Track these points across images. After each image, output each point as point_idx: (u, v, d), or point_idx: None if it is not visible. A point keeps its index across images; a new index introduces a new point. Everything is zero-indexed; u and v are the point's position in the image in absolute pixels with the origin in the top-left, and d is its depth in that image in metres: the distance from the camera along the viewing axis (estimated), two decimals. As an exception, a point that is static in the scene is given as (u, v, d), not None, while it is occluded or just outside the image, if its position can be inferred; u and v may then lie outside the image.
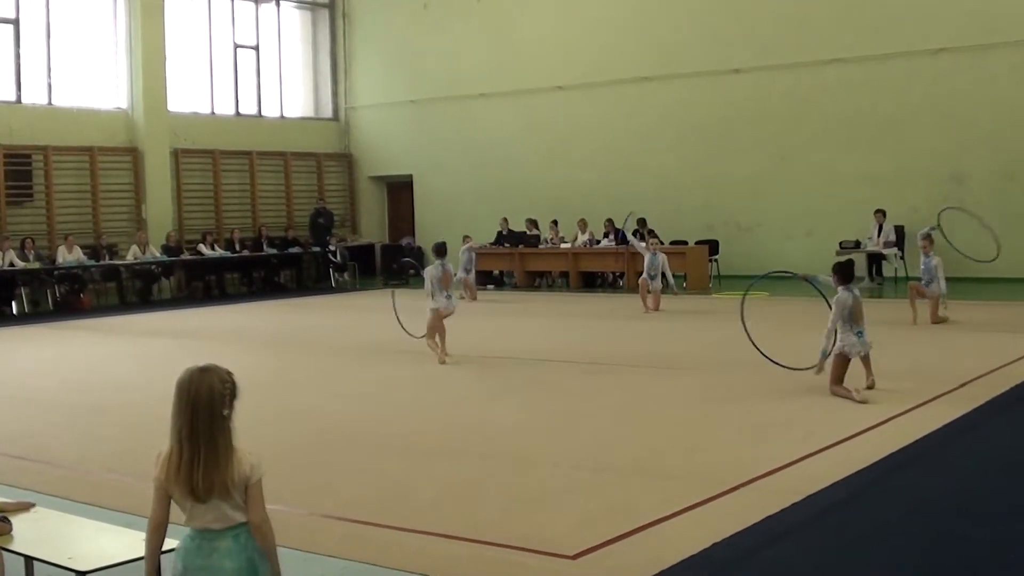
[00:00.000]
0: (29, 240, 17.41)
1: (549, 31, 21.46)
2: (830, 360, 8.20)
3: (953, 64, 17.49)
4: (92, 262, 17.98)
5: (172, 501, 3.22)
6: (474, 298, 17.02)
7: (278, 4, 23.47)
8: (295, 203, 23.02)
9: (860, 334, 8.09)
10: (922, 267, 12.64)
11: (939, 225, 13.10)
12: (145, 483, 5.42)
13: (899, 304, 13.00)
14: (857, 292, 8.18)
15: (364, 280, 21.92)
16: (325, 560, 4.73)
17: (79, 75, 19.62)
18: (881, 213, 17.39)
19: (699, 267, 18.05)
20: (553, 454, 6.60)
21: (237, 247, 20.28)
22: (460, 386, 9.39)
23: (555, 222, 19.84)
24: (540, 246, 19.68)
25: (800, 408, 7.78)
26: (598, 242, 19.20)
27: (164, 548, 3.32)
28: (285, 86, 23.65)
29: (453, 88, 22.59)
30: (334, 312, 16.61)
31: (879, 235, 17.43)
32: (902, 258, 17.41)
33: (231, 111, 22.38)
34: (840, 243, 17.56)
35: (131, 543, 3.79)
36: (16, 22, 18.73)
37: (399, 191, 24.44)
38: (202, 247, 19.77)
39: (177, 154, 20.72)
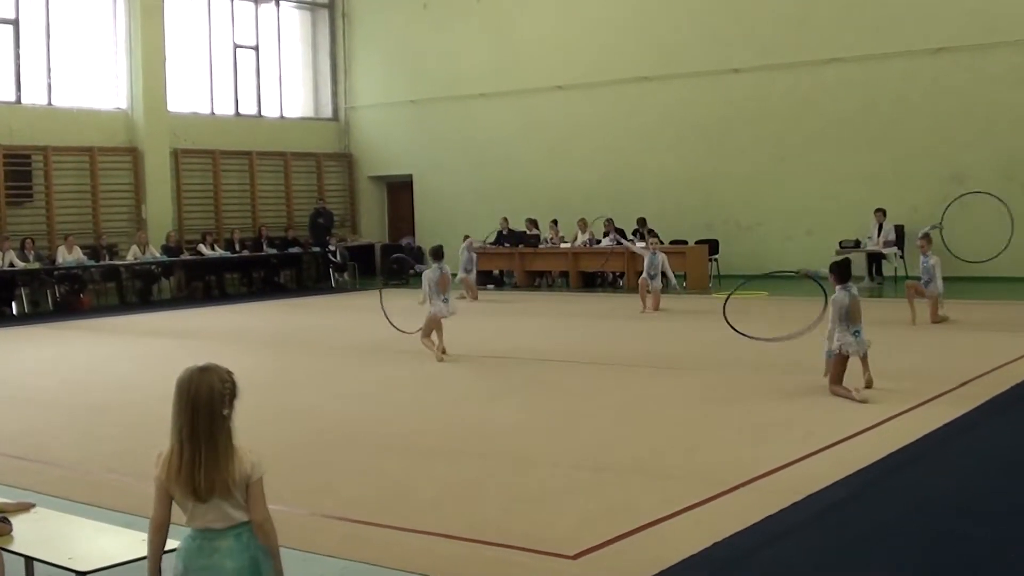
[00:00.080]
0: (29, 240, 17.41)
1: (549, 31, 21.46)
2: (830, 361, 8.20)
3: (953, 64, 17.50)
4: (92, 262, 17.97)
5: (173, 501, 3.22)
6: (475, 298, 17.02)
7: (278, 4, 23.48)
8: (295, 203, 23.02)
9: (857, 334, 8.07)
10: (921, 267, 12.64)
11: (941, 224, 13.11)
12: (145, 483, 5.42)
13: (899, 304, 13.00)
14: (855, 291, 8.16)
15: (364, 280, 21.93)
16: (325, 560, 4.73)
17: (79, 75, 19.62)
18: (881, 212, 17.39)
19: (699, 267, 18.05)
20: (553, 454, 6.60)
21: (237, 247, 20.28)
22: (460, 386, 9.39)
23: (555, 222, 19.85)
24: (540, 246, 19.68)
25: (800, 408, 7.77)
26: (598, 242, 19.20)
27: (166, 548, 3.32)
28: (285, 86, 23.65)
29: (453, 88, 22.59)
30: (334, 312, 16.61)
31: (879, 234, 17.44)
32: (902, 257, 17.42)
33: (231, 111, 22.38)
34: (840, 242, 17.56)
35: (131, 543, 3.80)
36: (16, 22, 18.73)
37: (399, 191, 24.44)
38: (202, 247, 19.77)
39: (177, 154, 20.72)
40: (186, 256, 19.47)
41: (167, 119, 20.41)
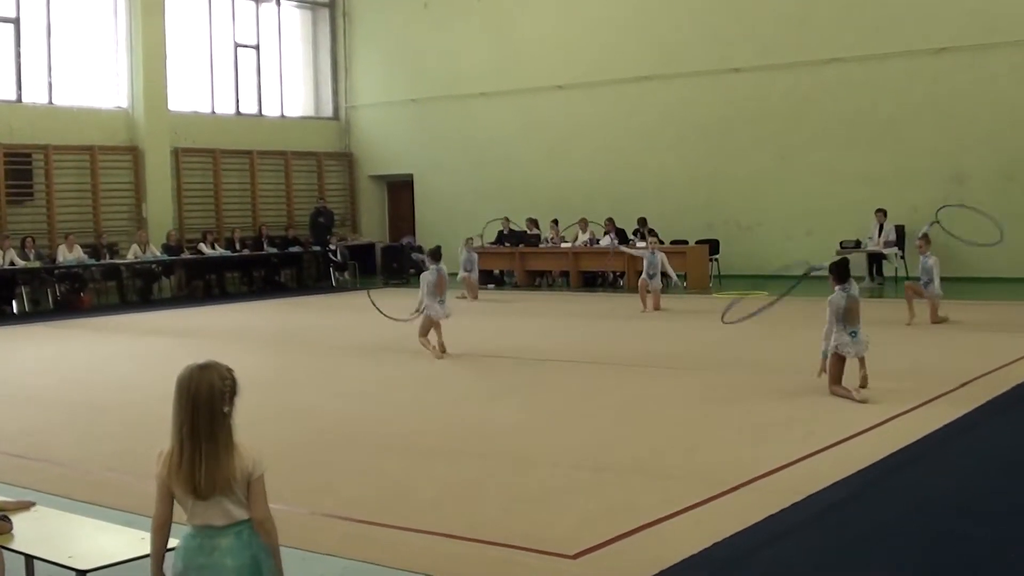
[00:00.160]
0: (29, 239, 17.41)
1: (550, 30, 21.46)
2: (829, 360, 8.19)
3: (953, 64, 17.49)
4: (92, 261, 17.97)
5: (175, 500, 3.22)
6: (475, 298, 17.02)
7: (278, 3, 23.47)
8: (295, 202, 23.03)
9: (854, 334, 8.05)
10: (920, 267, 12.64)
11: (937, 220, 13.11)
12: (145, 482, 5.42)
13: (899, 304, 12.99)
14: (854, 292, 8.13)
15: (364, 279, 21.91)
16: (326, 559, 4.73)
17: (79, 74, 19.61)
18: (882, 213, 17.39)
19: (699, 266, 18.05)
20: (553, 454, 6.60)
21: (237, 246, 20.28)
22: (460, 385, 9.40)
23: (555, 221, 19.85)
24: (540, 245, 19.68)
25: (800, 408, 7.77)
26: (597, 241, 19.20)
27: (168, 547, 3.32)
28: (285, 85, 23.65)
29: (454, 87, 22.59)
30: (334, 311, 16.60)
31: (879, 235, 17.44)
32: (902, 258, 17.41)
33: (231, 110, 22.38)
34: (840, 243, 17.56)
35: (131, 542, 3.80)
36: (17, 21, 18.73)
37: (399, 190, 24.45)
38: (202, 246, 19.77)
39: (177, 153, 20.72)
40: (187, 255, 19.47)
41: (168, 118, 20.41)
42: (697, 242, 18.85)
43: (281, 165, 22.95)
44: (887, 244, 17.36)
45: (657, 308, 14.64)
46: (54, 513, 4.31)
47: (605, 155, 20.82)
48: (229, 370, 3.21)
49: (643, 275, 15.04)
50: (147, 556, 3.60)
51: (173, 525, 3.27)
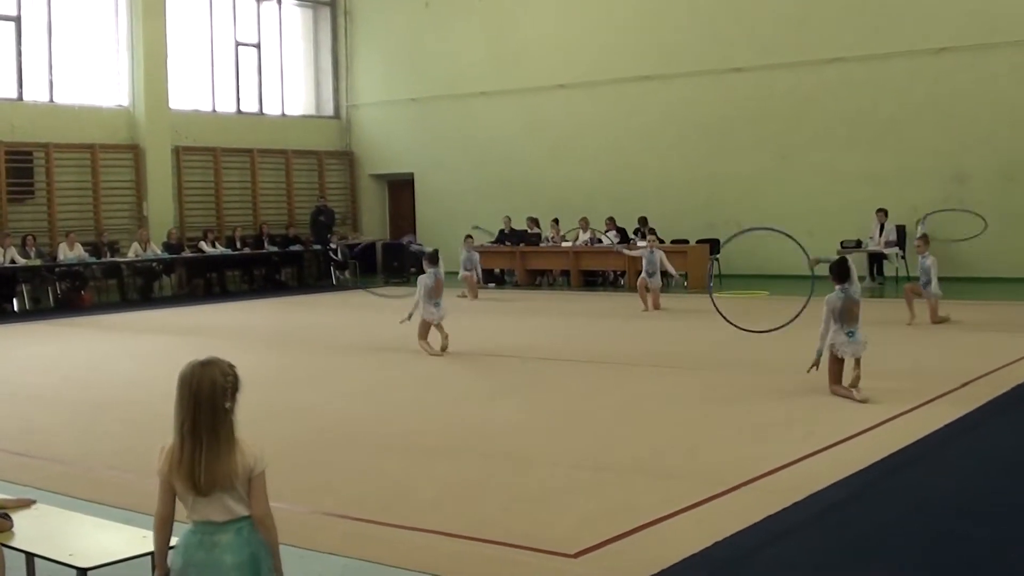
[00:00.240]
0: (30, 237, 17.41)
1: (550, 29, 21.46)
2: (827, 360, 8.18)
3: (954, 64, 17.49)
4: (93, 259, 17.98)
5: (176, 495, 3.22)
6: (475, 297, 17.01)
7: (279, 2, 23.48)
8: (296, 201, 23.04)
9: (851, 335, 8.03)
10: (919, 267, 12.65)
11: (924, 218, 13.13)
12: (146, 480, 5.42)
13: (900, 304, 12.99)
14: (853, 293, 8.09)
15: (365, 278, 21.93)
16: (326, 558, 4.73)
17: (80, 72, 19.62)
18: (883, 212, 17.39)
19: (700, 266, 18.02)
20: (553, 453, 6.60)
21: (238, 245, 20.29)
22: (460, 385, 9.40)
23: (556, 220, 19.85)
24: (541, 244, 19.68)
25: (800, 408, 7.77)
26: (599, 240, 19.20)
27: (171, 544, 3.32)
28: (286, 84, 23.65)
29: (454, 86, 22.59)
30: (335, 310, 16.61)
31: (880, 234, 17.44)
32: (903, 258, 17.42)
33: (232, 109, 22.38)
34: (841, 242, 17.56)
35: (132, 540, 3.80)
36: (18, 19, 18.73)
37: (400, 189, 24.45)
38: (203, 245, 19.77)
39: (178, 151, 20.72)
40: (187, 253, 19.47)
41: (168, 116, 20.41)
42: (698, 241, 18.85)
43: (282, 164, 22.95)
44: (888, 244, 17.36)
45: (656, 307, 14.64)
46: (55, 511, 4.31)
47: (606, 154, 20.82)
48: (231, 366, 3.22)
49: (642, 274, 15.04)
50: (148, 554, 3.61)
51: (177, 524, 3.27)
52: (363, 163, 24.55)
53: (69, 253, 17.60)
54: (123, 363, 11.16)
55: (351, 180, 24.64)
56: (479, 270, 17.82)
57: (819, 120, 18.72)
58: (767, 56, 19.00)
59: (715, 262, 18.84)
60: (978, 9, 17.16)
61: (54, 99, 19.21)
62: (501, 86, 21.96)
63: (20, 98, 18.78)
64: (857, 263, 13.59)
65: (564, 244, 19.51)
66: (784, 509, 5.24)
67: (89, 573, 3.55)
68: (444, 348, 10.77)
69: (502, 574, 4.54)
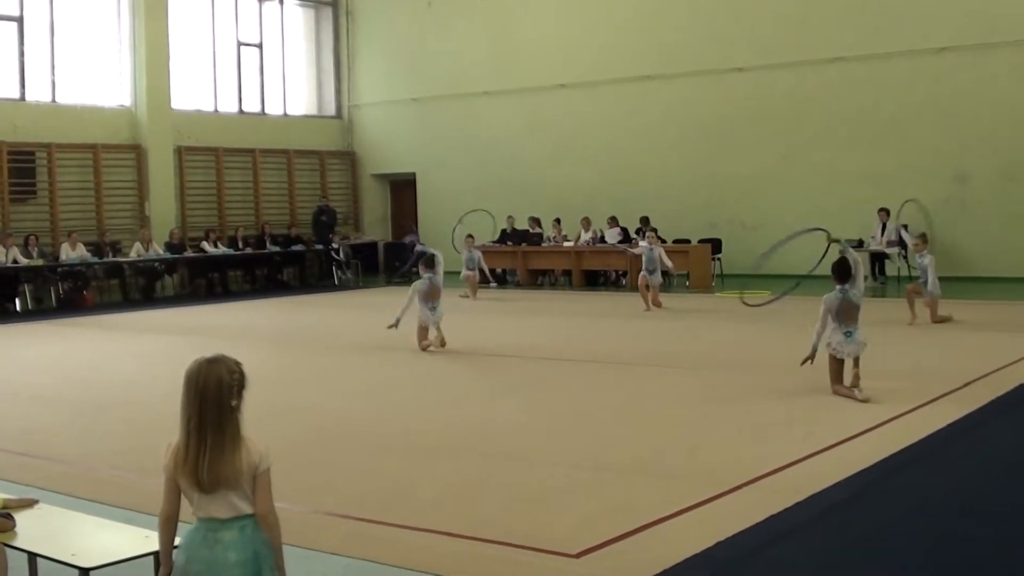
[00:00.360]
0: (33, 237, 17.43)
1: (551, 29, 21.46)
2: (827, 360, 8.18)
3: (955, 63, 17.48)
4: (95, 259, 17.99)
5: (182, 492, 3.23)
6: (475, 297, 17.00)
7: (281, 2, 23.48)
8: (298, 201, 23.05)
9: (849, 335, 8.03)
10: (918, 266, 12.64)
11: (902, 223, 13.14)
12: (147, 479, 5.44)
13: (901, 304, 12.99)
14: (852, 294, 8.06)
15: (367, 278, 21.95)
16: (327, 557, 4.73)
17: (83, 72, 19.62)
18: (884, 212, 17.38)
19: (702, 266, 18.04)
20: (554, 453, 6.60)
21: (240, 244, 20.30)
22: (461, 385, 9.40)
23: (558, 220, 19.85)
24: (543, 244, 19.68)
25: (800, 408, 7.77)
26: (602, 240, 19.20)
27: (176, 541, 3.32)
28: (288, 84, 23.65)
29: (456, 86, 22.59)
30: (337, 310, 16.62)
31: (882, 234, 17.42)
32: (905, 257, 17.40)
33: (234, 109, 22.38)
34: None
35: (134, 539, 3.80)
36: (20, 20, 18.74)
37: (402, 189, 24.45)
38: (205, 244, 19.78)
39: (180, 151, 20.73)
40: (189, 253, 19.48)
41: (171, 116, 20.42)
42: (700, 241, 18.85)
43: (284, 163, 22.96)
44: (889, 244, 17.35)
45: (656, 303, 14.62)
46: (57, 511, 4.31)
47: (607, 154, 20.82)
48: (237, 364, 3.22)
49: (642, 271, 15.03)
50: (149, 554, 3.61)
51: (180, 524, 3.27)
52: (365, 163, 24.55)
53: (71, 253, 17.62)
54: (125, 363, 11.16)
55: (353, 180, 24.65)
56: (485, 267, 17.82)
57: (820, 120, 18.71)
58: (767, 56, 18.99)
59: (717, 262, 18.87)
60: (978, 9, 17.14)
61: (56, 99, 19.22)
62: (502, 86, 21.96)
63: (22, 98, 18.79)
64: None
65: (566, 244, 19.50)
66: (786, 509, 5.23)
67: (91, 573, 3.55)
68: (443, 343, 10.84)
69: (504, 574, 4.54)
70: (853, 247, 17.22)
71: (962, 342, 11.09)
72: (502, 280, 20.12)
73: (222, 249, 19.95)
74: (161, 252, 18.98)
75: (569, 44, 21.19)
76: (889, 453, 6.31)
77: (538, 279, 19.86)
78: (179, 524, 3.30)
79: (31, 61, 18.89)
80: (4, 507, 4.08)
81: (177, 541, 3.29)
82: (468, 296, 16.92)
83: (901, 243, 17.35)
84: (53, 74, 19.18)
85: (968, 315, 12.76)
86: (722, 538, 4.80)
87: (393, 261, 21.92)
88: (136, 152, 20.04)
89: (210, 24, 21.79)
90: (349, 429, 7.55)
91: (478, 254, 17.72)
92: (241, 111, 22.50)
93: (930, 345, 10.92)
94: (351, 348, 12.02)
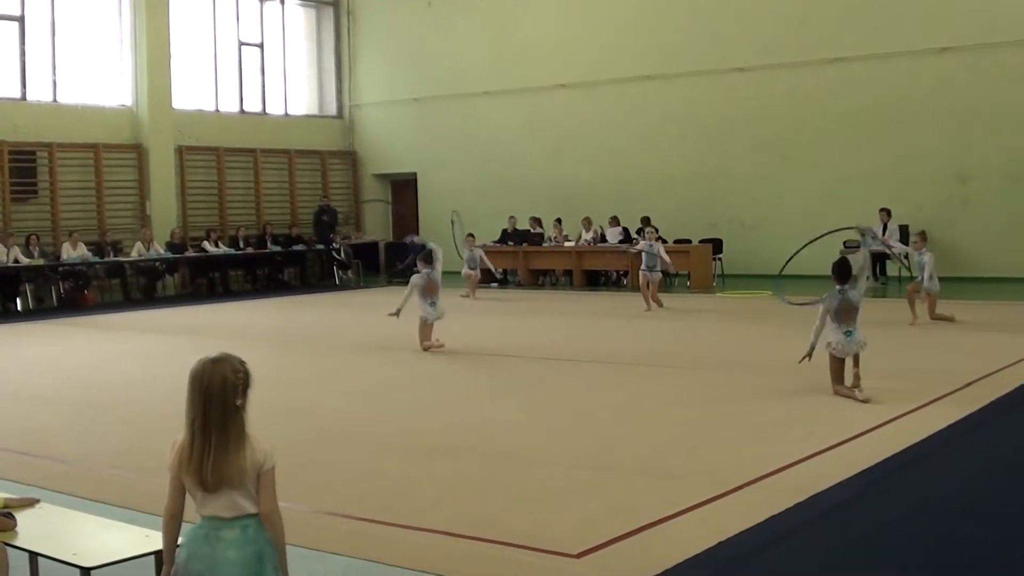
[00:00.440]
0: (34, 237, 17.44)
1: (552, 29, 21.46)
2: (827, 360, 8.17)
3: (956, 63, 17.48)
4: (96, 259, 18.00)
5: (186, 490, 3.23)
6: (474, 296, 16.99)
7: (283, 2, 23.49)
8: (299, 200, 23.05)
9: (848, 334, 8.02)
10: (917, 264, 12.64)
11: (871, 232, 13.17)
12: (148, 479, 5.44)
13: (902, 304, 12.98)
14: (851, 296, 8.06)
15: (368, 278, 21.96)
16: (328, 557, 4.73)
17: (84, 72, 19.63)
18: (886, 212, 17.38)
19: (703, 266, 18.04)
20: (554, 453, 6.60)
21: (241, 244, 20.31)
22: (461, 384, 9.40)
23: (559, 220, 19.85)
24: (544, 244, 19.68)
25: (800, 408, 7.77)
26: (603, 239, 19.20)
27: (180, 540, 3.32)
28: (289, 84, 23.66)
29: (457, 86, 22.60)
30: (338, 309, 16.62)
31: (884, 234, 17.40)
32: (906, 257, 17.39)
33: (235, 108, 22.39)
34: (844, 242, 17.51)
35: (135, 539, 3.80)
36: (21, 19, 18.75)
37: (403, 189, 24.45)
38: (206, 244, 19.79)
39: (181, 151, 20.74)
40: (190, 253, 19.49)
41: (172, 116, 20.43)
42: (700, 241, 18.84)
43: (285, 163, 22.97)
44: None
45: (656, 300, 14.60)
46: (58, 510, 4.31)
47: (608, 154, 20.82)
48: (242, 363, 3.21)
49: (642, 268, 15.02)
50: (150, 554, 3.61)
51: (185, 523, 3.27)
52: (366, 163, 24.56)
53: (72, 252, 17.63)
54: (126, 363, 11.17)
55: (354, 180, 24.65)
56: (490, 265, 17.80)
57: (820, 120, 18.70)
58: (768, 56, 18.98)
59: (718, 262, 18.86)
60: (979, 9, 17.14)
61: (58, 99, 19.23)
62: (503, 86, 21.97)
63: (24, 98, 18.80)
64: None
65: (567, 244, 19.50)
66: (787, 509, 5.23)
67: (92, 573, 3.55)
68: (440, 344, 10.86)
69: (504, 574, 4.54)
70: (854, 247, 17.30)
71: (963, 342, 11.08)
72: (503, 280, 20.13)
73: (223, 249, 19.96)
74: (162, 252, 18.99)
75: (569, 44, 21.20)
76: (890, 453, 6.31)
77: (539, 279, 19.87)
78: (183, 523, 3.29)
79: (32, 61, 18.90)
80: (5, 506, 4.08)
81: (180, 540, 3.29)
82: (468, 296, 16.92)
83: (902, 243, 17.36)
84: (54, 74, 19.19)
85: (969, 315, 12.75)
86: (723, 538, 4.80)
87: (394, 261, 21.92)
88: (137, 152, 20.05)
89: (211, 24, 21.80)
90: (349, 429, 7.55)
91: (480, 253, 17.72)
92: (242, 111, 22.51)
93: (931, 345, 10.91)
94: (351, 348, 12.02)
